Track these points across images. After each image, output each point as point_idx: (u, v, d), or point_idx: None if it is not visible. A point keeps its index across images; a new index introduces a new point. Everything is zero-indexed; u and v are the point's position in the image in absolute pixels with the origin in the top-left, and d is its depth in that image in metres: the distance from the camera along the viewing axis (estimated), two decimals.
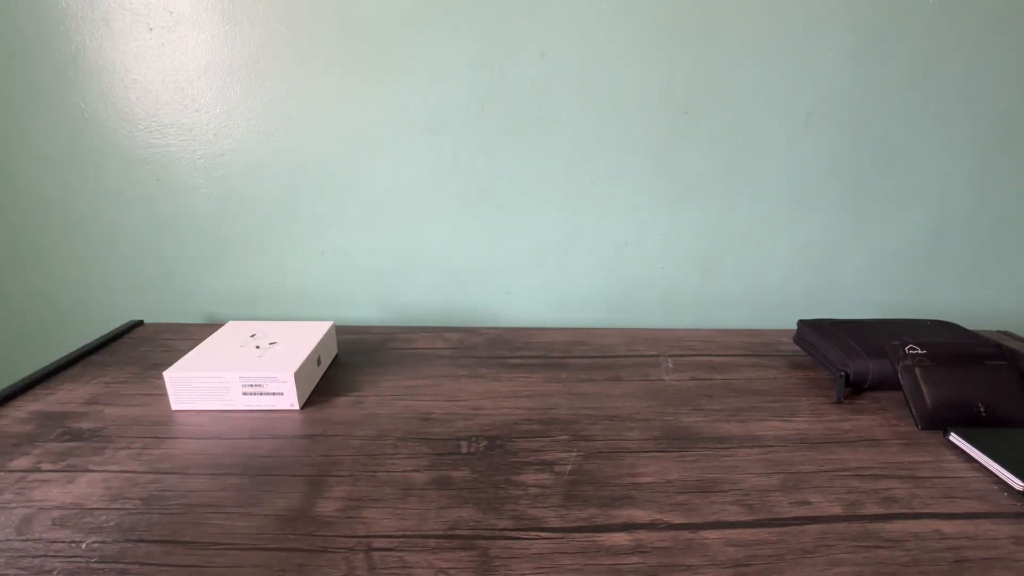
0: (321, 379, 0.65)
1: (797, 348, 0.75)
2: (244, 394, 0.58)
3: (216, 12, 0.71)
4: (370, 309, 0.86)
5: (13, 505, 0.44)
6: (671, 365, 0.70)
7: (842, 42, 0.73)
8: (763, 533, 0.42)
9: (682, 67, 0.74)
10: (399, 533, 0.41)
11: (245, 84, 0.74)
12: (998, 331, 0.81)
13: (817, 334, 0.68)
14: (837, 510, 0.44)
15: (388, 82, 0.74)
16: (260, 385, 0.57)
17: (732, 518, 0.43)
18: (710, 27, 0.72)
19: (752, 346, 0.76)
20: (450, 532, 0.41)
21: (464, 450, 0.52)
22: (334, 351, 0.71)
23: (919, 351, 0.59)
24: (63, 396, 0.60)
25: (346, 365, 0.69)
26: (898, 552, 0.40)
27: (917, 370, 0.58)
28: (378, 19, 0.71)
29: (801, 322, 0.72)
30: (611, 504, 0.44)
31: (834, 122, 0.77)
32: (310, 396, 0.61)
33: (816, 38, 0.73)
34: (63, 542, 0.40)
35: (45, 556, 0.39)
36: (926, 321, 0.71)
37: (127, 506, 0.44)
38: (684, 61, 0.73)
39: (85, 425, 0.55)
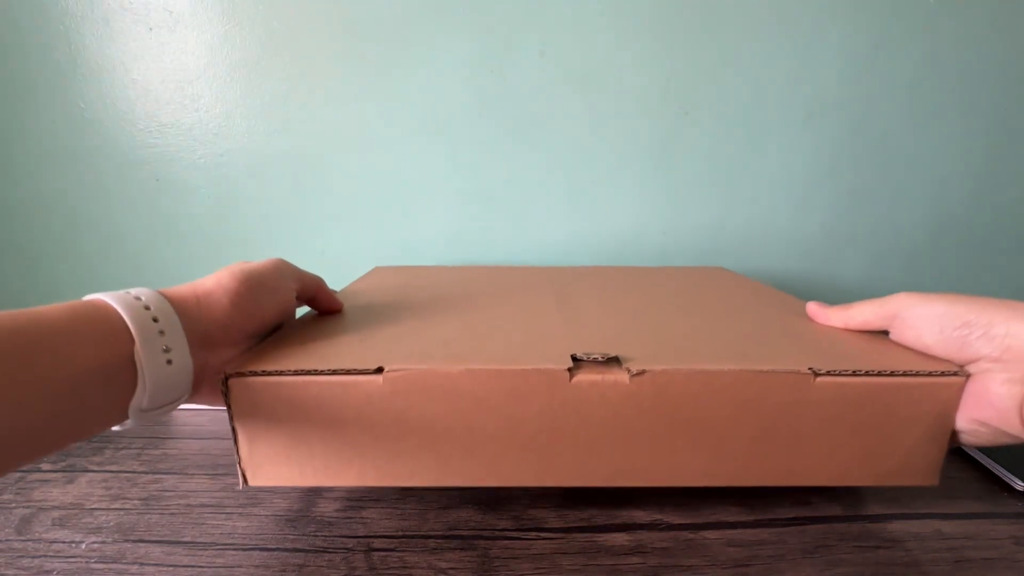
0: None
1: None
2: None
3: (216, 12, 0.71)
4: None
5: (13, 505, 0.44)
6: None
7: (842, 42, 0.73)
8: (763, 533, 0.42)
9: (682, 67, 0.74)
10: (399, 533, 0.41)
11: (245, 84, 0.74)
12: None
13: None
14: (837, 510, 0.44)
15: (388, 82, 0.74)
16: None
17: (732, 518, 0.43)
18: (710, 27, 0.72)
19: None
20: (450, 532, 0.41)
21: None
22: None
23: None
24: None
25: None
26: (898, 552, 0.40)
27: None
28: (378, 19, 0.71)
29: None
30: (611, 504, 0.44)
31: (834, 122, 0.77)
32: None
33: (816, 38, 0.73)
34: (63, 542, 0.40)
35: (45, 556, 0.39)
36: None
37: (127, 506, 0.44)
38: (684, 61, 0.73)
39: None
